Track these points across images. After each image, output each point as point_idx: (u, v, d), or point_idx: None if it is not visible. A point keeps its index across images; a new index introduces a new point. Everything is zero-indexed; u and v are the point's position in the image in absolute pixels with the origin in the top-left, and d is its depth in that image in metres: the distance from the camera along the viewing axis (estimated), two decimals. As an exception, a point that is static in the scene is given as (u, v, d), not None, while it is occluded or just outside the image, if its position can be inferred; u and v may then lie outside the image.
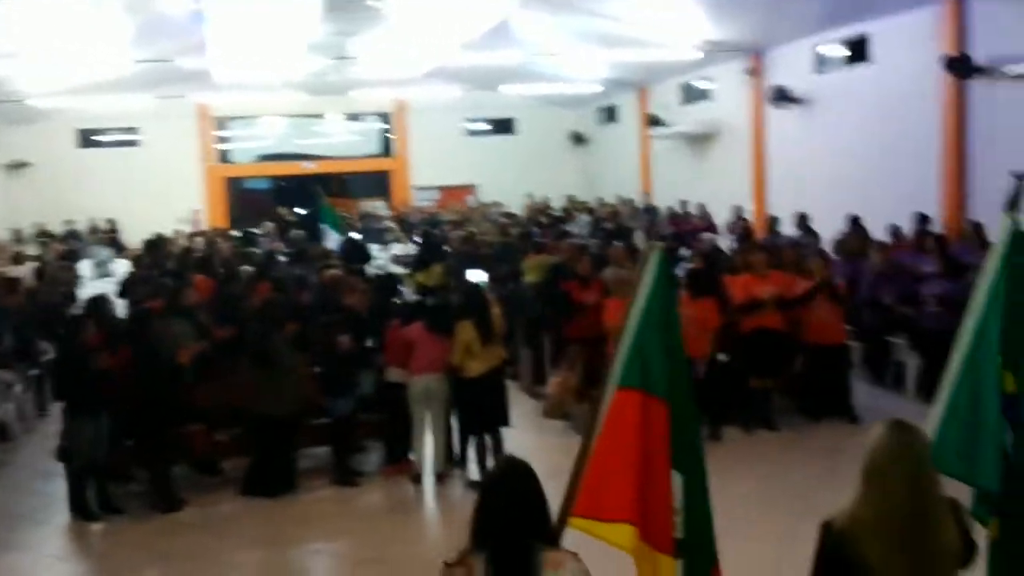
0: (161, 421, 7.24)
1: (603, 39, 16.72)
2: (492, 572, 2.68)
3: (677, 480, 3.14)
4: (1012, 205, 3.68)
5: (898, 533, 2.63)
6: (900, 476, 2.67)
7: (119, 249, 19.29)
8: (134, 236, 20.32)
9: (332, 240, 14.79)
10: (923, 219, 11.55)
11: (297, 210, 21.68)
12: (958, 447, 3.26)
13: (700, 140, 19.16)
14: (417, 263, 13.03)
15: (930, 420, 3.32)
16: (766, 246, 10.67)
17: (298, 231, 15.14)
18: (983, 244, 9.68)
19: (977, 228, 10.45)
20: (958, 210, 12.19)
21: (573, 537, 3.02)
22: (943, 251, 9.72)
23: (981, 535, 3.31)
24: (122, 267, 17.48)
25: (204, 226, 21.02)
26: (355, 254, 13.40)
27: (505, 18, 15.50)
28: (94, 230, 20.38)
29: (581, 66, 19.38)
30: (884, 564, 2.62)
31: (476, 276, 10.30)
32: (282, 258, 13.14)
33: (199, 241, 15.41)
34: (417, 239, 16.02)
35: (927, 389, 8.80)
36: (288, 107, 23.02)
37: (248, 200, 24.90)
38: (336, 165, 24.54)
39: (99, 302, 8.17)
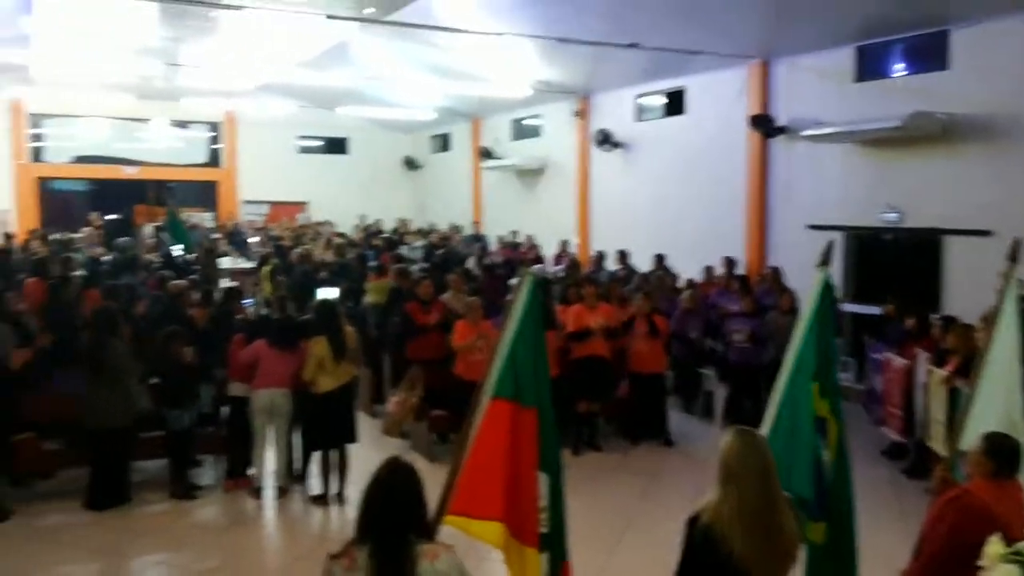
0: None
1: (439, 69, 17.18)
2: (374, 563, 2.91)
3: (543, 480, 3.58)
4: (824, 260, 4.40)
5: (754, 522, 3.10)
6: (751, 473, 3.14)
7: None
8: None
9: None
10: (730, 262, 12.71)
11: (110, 216, 20.75)
12: (778, 460, 3.87)
13: (529, 174, 19.99)
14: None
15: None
16: (594, 280, 11.41)
17: (125, 238, 14.60)
18: (781, 288, 10.83)
19: (776, 273, 11.63)
20: (760, 254, 13.50)
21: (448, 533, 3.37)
22: (747, 292, 10.77)
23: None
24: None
25: (13, 227, 19.72)
26: (176, 266, 13.10)
27: (344, 40, 15.69)
28: None
29: (417, 93, 19.77)
30: (745, 549, 3.07)
31: (328, 293, 10.44)
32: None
33: (14, 242, 14.53)
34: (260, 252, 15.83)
35: (733, 416, 9.78)
36: (112, 109, 22.00)
37: (59, 202, 23.54)
38: (159, 172, 23.63)
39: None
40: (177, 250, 14.28)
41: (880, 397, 9.21)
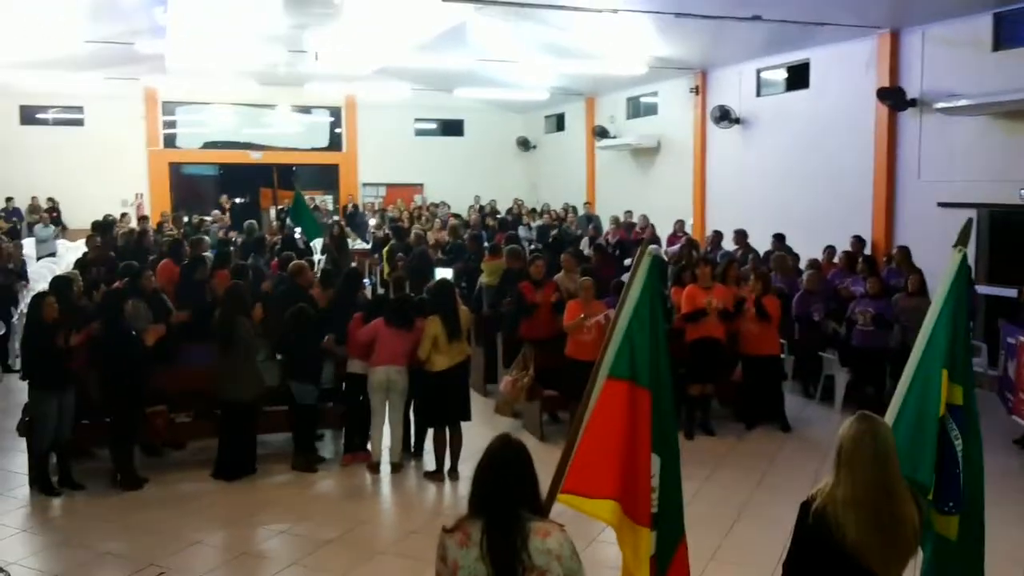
0: (127, 400, 7.39)
1: (553, 49, 17.13)
2: (486, 538, 2.92)
3: (656, 461, 3.53)
4: (962, 240, 4.12)
5: (869, 510, 2.98)
6: (867, 459, 3.02)
7: (61, 228, 19.05)
8: (75, 216, 20.10)
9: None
10: (860, 241, 12.23)
11: (237, 199, 21.61)
12: (903, 448, 3.62)
13: (644, 153, 19.74)
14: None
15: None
16: (710, 259, 11.18)
17: (251, 221, 15.17)
18: (911, 268, 10.35)
19: (905, 253, 11.12)
20: (888, 233, 12.95)
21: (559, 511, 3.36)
22: (873, 272, 10.34)
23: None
24: (64, 246, 17.33)
25: (147, 210, 20.83)
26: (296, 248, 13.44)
27: (460, 21, 15.80)
28: (34, 208, 20.02)
29: (531, 73, 19.77)
30: (858, 536, 2.97)
31: (444, 273, 10.60)
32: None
33: (147, 225, 15.34)
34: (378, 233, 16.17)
35: (855, 402, 9.44)
36: (238, 96, 22.94)
37: (188, 186, 24.72)
38: (283, 156, 24.48)
39: (63, 282, 8.23)
40: (297, 233, 14.63)
41: (1013, 384, 8.72)
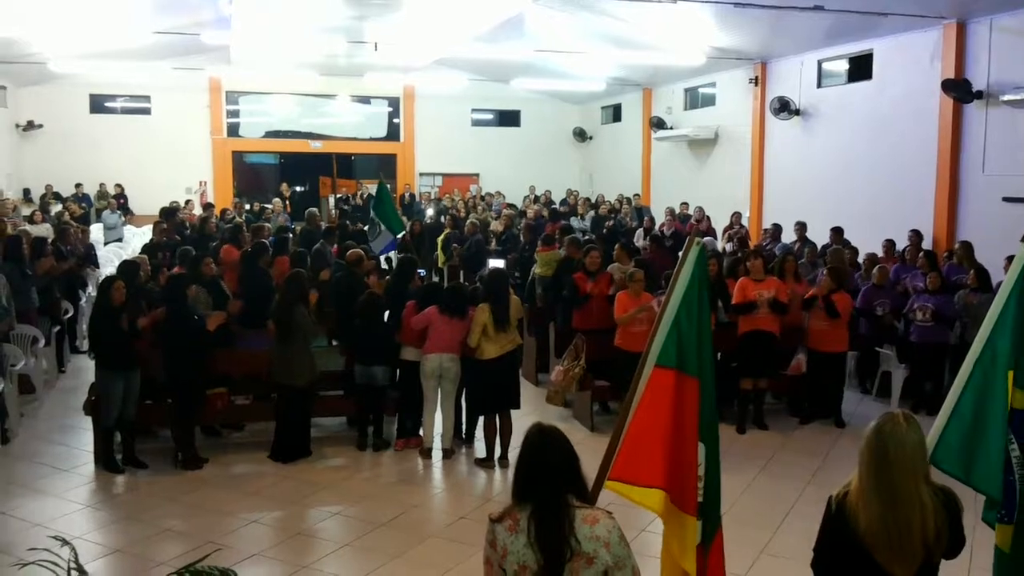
0: (190, 382, 7.61)
1: (612, 39, 17.06)
2: (534, 524, 2.93)
3: (701, 450, 3.55)
4: None
5: (876, 507, 2.97)
6: (891, 456, 2.98)
7: (128, 214, 19.58)
8: (141, 203, 20.64)
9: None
10: (918, 236, 11.99)
11: (297, 188, 21.93)
12: (958, 449, 3.54)
13: (702, 144, 19.57)
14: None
15: (937, 420, 3.62)
16: (763, 252, 11.05)
17: (311, 209, 15.40)
18: (973, 264, 10.11)
19: (967, 248, 10.88)
20: (950, 227, 12.68)
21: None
22: (933, 267, 10.14)
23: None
24: (130, 232, 17.83)
25: (211, 197, 21.31)
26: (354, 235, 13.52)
27: (519, 12, 15.82)
28: (103, 195, 20.62)
29: (588, 64, 19.71)
30: (868, 529, 2.98)
31: (497, 262, 10.66)
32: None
33: (212, 212, 15.72)
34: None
35: (912, 398, 9.29)
36: (299, 86, 23.31)
37: (250, 174, 25.20)
38: (342, 146, 24.82)
39: (131, 266, 8.49)
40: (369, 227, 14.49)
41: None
